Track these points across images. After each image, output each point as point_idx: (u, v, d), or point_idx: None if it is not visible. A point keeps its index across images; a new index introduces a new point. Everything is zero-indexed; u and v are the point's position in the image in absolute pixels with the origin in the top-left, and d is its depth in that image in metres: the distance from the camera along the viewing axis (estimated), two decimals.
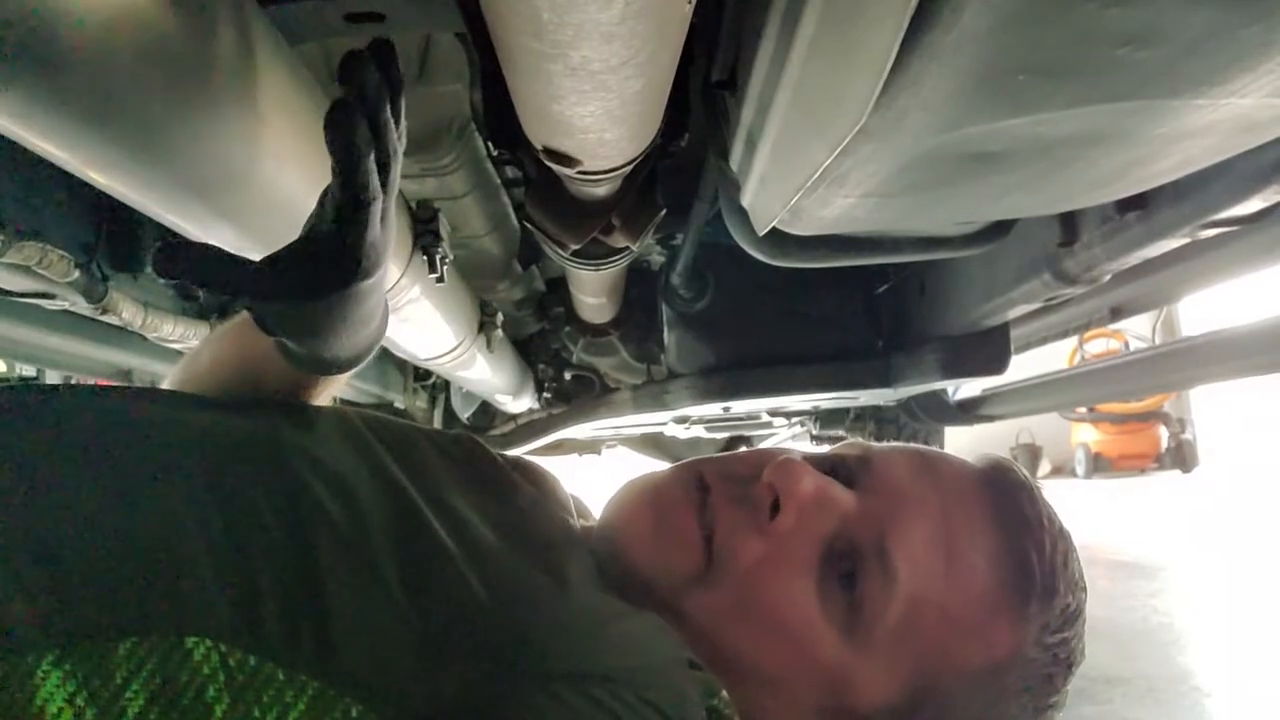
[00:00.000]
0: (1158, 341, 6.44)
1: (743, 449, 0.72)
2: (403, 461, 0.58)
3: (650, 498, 0.65)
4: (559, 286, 2.42)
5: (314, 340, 0.57)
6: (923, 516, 0.60)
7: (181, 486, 0.48)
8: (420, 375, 3.01)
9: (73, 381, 1.94)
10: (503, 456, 0.71)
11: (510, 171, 1.78)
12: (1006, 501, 0.63)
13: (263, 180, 0.64)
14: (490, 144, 1.10)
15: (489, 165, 1.72)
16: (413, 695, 0.43)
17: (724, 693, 0.55)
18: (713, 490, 0.63)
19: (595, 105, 0.53)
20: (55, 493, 0.46)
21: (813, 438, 3.40)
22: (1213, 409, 10.87)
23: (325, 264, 0.52)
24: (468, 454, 0.67)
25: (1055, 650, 0.61)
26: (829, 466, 0.65)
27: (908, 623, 0.58)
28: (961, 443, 3.14)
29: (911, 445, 0.69)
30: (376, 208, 0.53)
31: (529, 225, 1.03)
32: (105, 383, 1.87)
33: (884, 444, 0.69)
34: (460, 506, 0.56)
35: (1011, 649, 0.60)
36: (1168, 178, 0.79)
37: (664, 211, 1.11)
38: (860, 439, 0.70)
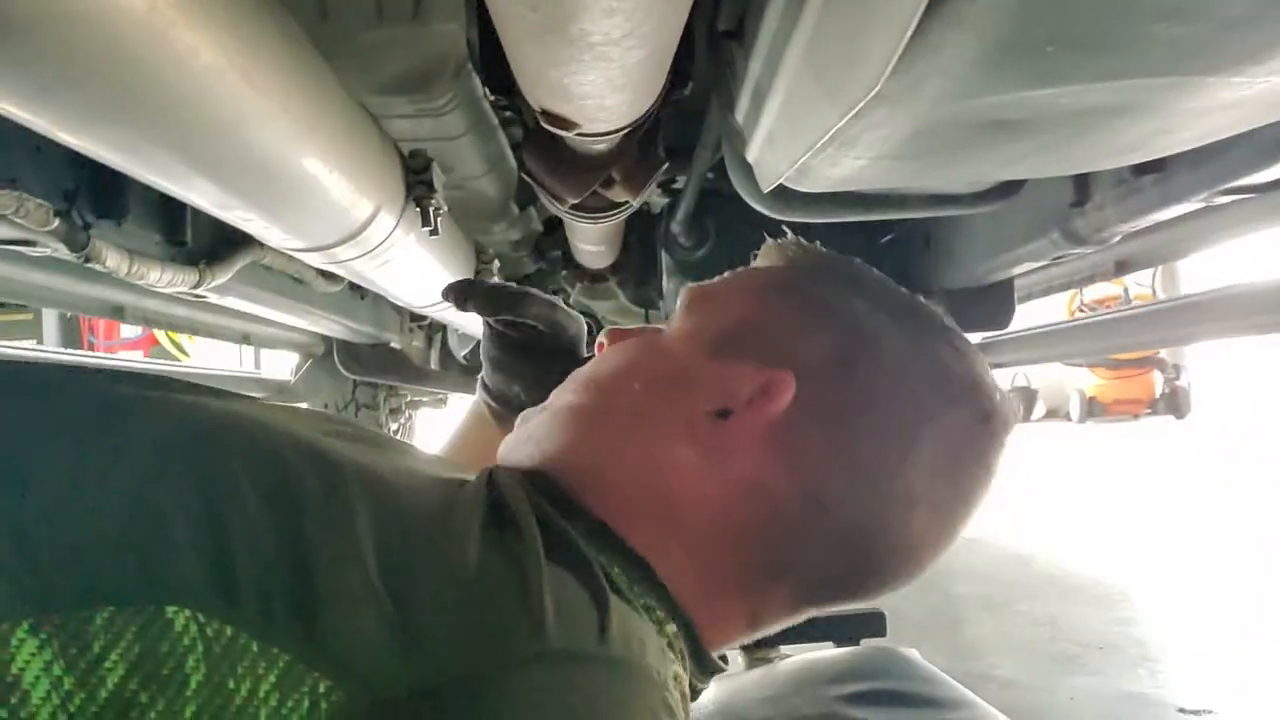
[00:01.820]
0: (1159, 289, 6.41)
1: None
2: (378, 448, 0.59)
3: None
4: (557, 227, 2.37)
5: None
6: None
7: (159, 458, 0.47)
8: (417, 315, 2.99)
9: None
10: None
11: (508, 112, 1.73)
12: None
13: (246, 135, 0.61)
14: (487, 89, 1.06)
15: (486, 104, 1.68)
16: (387, 675, 0.42)
17: (685, 658, 0.55)
18: None
19: (595, 74, 0.50)
20: (31, 465, 0.45)
21: None
22: (1208, 355, 10.91)
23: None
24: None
25: None
26: None
27: None
28: None
29: None
30: None
31: (526, 177, 0.99)
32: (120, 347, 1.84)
33: None
34: (439, 490, 0.55)
35: None
36: (1189, 145, 0.76)
37: (666, 165, 1.08)
38: None
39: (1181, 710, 2.19)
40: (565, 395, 0.67)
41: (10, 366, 0.56)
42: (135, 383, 0.58)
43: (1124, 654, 2.67)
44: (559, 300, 0.85)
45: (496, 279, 1.82)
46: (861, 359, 0.61)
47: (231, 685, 0.39)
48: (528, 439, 0.66)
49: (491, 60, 1.08)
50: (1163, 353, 10.56)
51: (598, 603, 0.49)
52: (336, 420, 0.68)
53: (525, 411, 0.71)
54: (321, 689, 0.40)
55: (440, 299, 1.68)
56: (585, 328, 0.87)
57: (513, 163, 1.89)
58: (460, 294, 0.82)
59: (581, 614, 0.48)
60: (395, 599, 0.44)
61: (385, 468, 0.54)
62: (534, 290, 0.83)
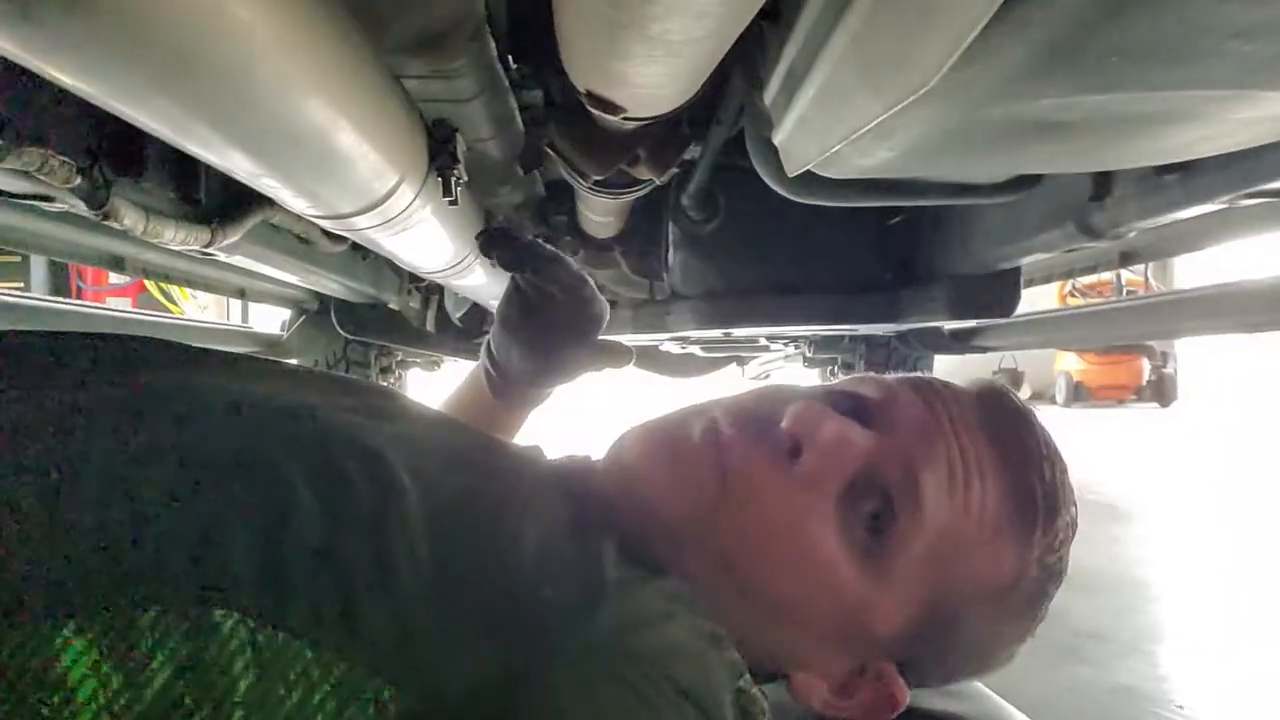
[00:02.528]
0: (1151, 278, 6.43)
1: (751, 389, 0.74)
2: (403, 419, 0.58)
3: (663, 437, 0.65)
4: (560, 192, 2.35)
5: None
6: (942, 450, 0.62)
7: (207, 454, 0.46)
8: (416, 277, 2.96)
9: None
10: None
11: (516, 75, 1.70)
12: (1008, 432, 0.64)
13: (288, 108, 0.60)
14: (511, 59, 1.04)
15: (499, 67, 1.65)
16: (442, 675, 0.42)
17: (748, 674, 0.54)
18: (725, 429, 0.64)
19: (660, 68, 0.49)
20: (74, 461, 0.44)
21: (806, 360, 3.39)
22: (1195, 344, 10.96)
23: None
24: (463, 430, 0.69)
25: (1053, 568, 0.64)
26: (847, 406, 0.65)
27: (927, 553, 0.60)
28: (948, 364, 3.12)
29: (919, 376, 0.70)
30: None
31: (552, 152, 0.98)
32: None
33: (895, 377, 0.69)
34: (491, 483, 0.55)
35: (1016, 571, 0.62)
36: (1227, 150, 0.76)
37: (691, 144, 1.07)
38: (872, 374, 0.71)
39: (1180, 706, 2.22)
40: (709, 490, 0.61)
41: (45, 355, 0.54)
42: (170, 359, 0.57)
43: (1119, 643, 2.70)
44: (589, 276, 0.83)
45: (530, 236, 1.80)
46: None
47: (282, 691, 0.38)
48: (646, 486, 0.63)
49: (521, 30, 1.06)
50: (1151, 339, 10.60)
51: (657, 610, 0.49)
52: (355, 388, 0.66)
53: (625, 432, 0.67)
54: (387, 694, 0.40)
55: (448, 264, 1.67)
56: (608, 312, 0.85)
57: (520, 126, 1.86)
58: (490, 241, 0.80)
59: (643, 621, 0.48)
60: (449, 600, 0.44)
61: (429, 459, 0.54)
62: (567, 258, 0.81)
